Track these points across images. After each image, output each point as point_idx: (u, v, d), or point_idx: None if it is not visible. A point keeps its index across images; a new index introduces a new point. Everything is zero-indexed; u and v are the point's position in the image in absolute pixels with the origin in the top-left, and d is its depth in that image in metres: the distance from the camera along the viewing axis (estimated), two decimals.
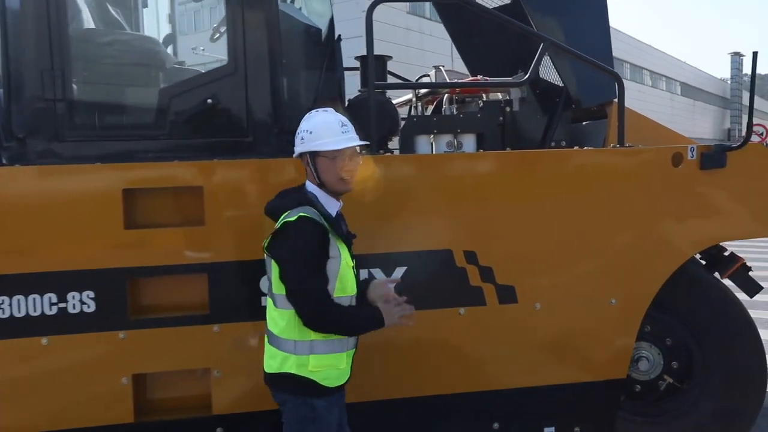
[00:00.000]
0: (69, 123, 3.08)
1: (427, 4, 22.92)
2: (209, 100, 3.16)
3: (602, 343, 3.52)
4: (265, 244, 2.52)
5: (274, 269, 2.50)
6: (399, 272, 3.23)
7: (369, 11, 3.22)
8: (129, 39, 3.34)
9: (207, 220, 3.06)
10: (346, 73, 3.96)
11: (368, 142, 2.91)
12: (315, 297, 2.44)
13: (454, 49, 5.13)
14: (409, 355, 3.30)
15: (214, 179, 3.08)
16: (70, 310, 2.96)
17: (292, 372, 2.49)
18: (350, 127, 2.63)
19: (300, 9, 4.18)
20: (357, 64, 4.27)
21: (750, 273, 3.94)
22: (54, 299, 2.95)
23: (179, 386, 3.15)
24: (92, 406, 3.01)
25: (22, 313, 2.92)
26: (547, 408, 3.51)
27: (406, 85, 4.30)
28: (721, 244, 3.94)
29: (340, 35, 3.80)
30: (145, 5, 4.35)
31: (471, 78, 4.39)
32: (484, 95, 4.18)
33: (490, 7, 4.25)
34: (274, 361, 2.55)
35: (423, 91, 4.33)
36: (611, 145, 3.60)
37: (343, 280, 2.52)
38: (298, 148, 2.62)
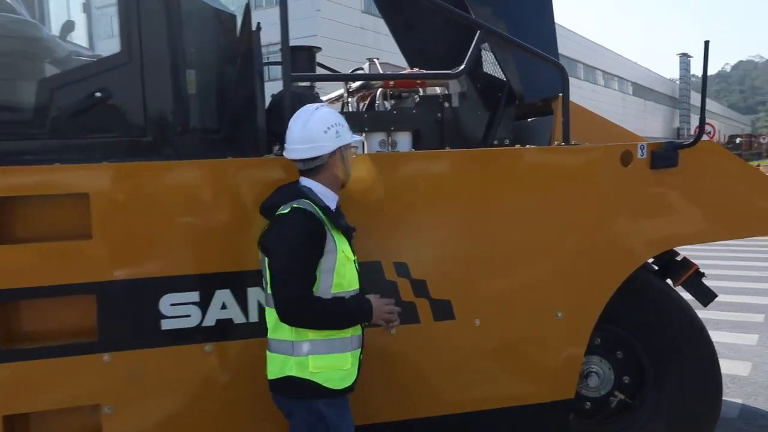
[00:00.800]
0: None
1: None
2: (98, 94, 2.73)
3: (549, 361, 3.21)
4: (259, 239, 2.49)
5: (264, 264, 2.47)
6: None
7: None
8: (1, 22, 2.88)
9: (94, 232, 2.64)
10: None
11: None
12: (292, 289, 2.36)
13: None
14: None
15: (102, 185, 2.65)
16: None
17: (293, 375, 2.40)
18: None
19: None
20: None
21: (704, 279, 3.69)
22: None
23: (62, 427, 2.72)
24: None
25: None
26: None
27: (324, 76, 3.91)
28: (674, 248, 3.68)
29: (259, 23, 3.41)
30: None
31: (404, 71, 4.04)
32: (421, 90, 3.85)
33: None
34: (274, 366, 2.47)
35: (355, 84, 3.97)
36: (556, 143, 3.30)
37: (341, 273, 2.44)
38: (335, 143, 2.54)
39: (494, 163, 3.10)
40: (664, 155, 3.23)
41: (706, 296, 3.66)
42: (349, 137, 2.60)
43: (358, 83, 3.94)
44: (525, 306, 3.14)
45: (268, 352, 2.53)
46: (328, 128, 2.53)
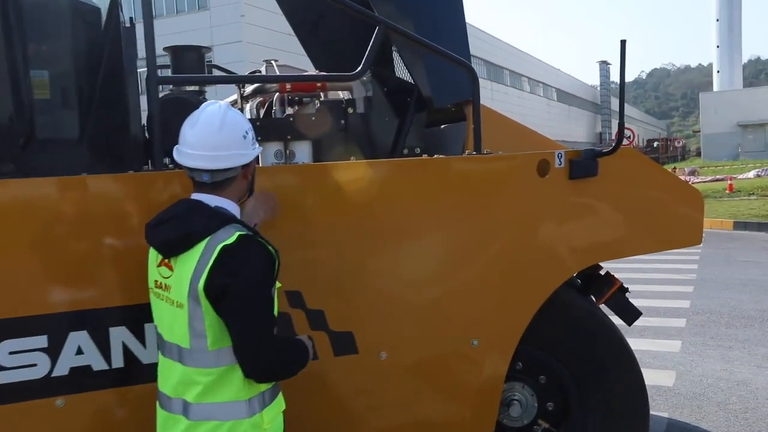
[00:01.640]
0: None
1: None
2: None
3: (465, 393, 2.91)
4: (202, 284, 1.91)
5: (207, 314, 1.93)
6: None
7: None
8: None
9: None
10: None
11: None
12: (269, 341, 1.99)
13: None
14: None
15: None
16: None
17: None
18: None
19: None
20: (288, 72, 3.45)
21: (628, 294, 3.48)
22: None
23: None
24: None
25: None
26: None
27: (196, 78, 3.41)
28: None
29: (132, 18, 2.97)
30: None
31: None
32: (323, 95, 3.49)
33: None
34: None
35: (249, 89, 3.57)
36: (467, 152, 3.01)
37: (276, 308, 2.12)
38: (253, 152, 2.13)
39: (396, 175, 2.76)
40: (583, 164, 2.98)
41: (631, 314, 3.44)
42: (258, 148, 2.19)
43: (251, 88, 3.54)
44: (436, 335, 2.82)
45: (185, 421, 1.98)
46: (247, 132, 2.09)
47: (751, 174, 28.62)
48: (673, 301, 8.24)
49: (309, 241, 2.63)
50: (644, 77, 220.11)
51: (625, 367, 3.28)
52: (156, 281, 2.07)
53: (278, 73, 3.68)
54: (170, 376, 2.04)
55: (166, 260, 2.02)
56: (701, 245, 6.49)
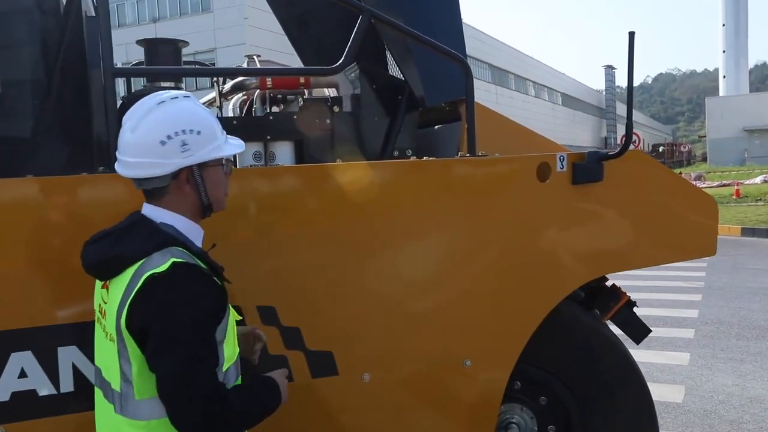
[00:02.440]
0: None
1: None
2: None
3: (457, 419, 2.65)
4: (123, 319, 1.63)
5: (132, 355, 1.65)
6: None
7: None
8: None
9: None
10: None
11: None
12: (202, 390, 1.60)
13: None
14: None
15: None
16: None
17: None
18: None
19: None
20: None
21: (636, 309, 3.21)
22: None
23: None
24: None
25: None
26: None
27: (154, 70, 3.15)
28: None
29: (97, 8, 2.73)
30: None
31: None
32: (307, 92, 3.24)
33: None
34: None
35: (227, 86, 3.33)
36: (460, 154, 2.76)
37: (230, 341, 1.80)
38: (184, 160, 1.72)
39: (381, 180, 2.51)
40: (587, 168, 2.73)
41: (639, 331, 3.18)
42: (208, 152, 1.75)
43: (230, 84, 3.30)
44: (425, 355, 2.56)
45: None
46: (170, 137, 1.69)
47: (758, 179, 28.29)
48: (680, 310, 7.96)
49: (283, 251, 2.39)
50: (650, 82, 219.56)
51: (632, 388, 3.02)
52: (99, 305, 1.80)
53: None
54: (105, 422, 1.77)
55: (107, 282, 1.75)
56: None
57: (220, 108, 3.44)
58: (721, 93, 63.20)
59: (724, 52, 62.83)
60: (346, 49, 2.49)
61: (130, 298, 1.62)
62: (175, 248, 1.69)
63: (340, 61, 2.51)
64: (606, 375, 2.98)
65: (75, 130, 2.51)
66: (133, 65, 3.80)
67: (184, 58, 4.32)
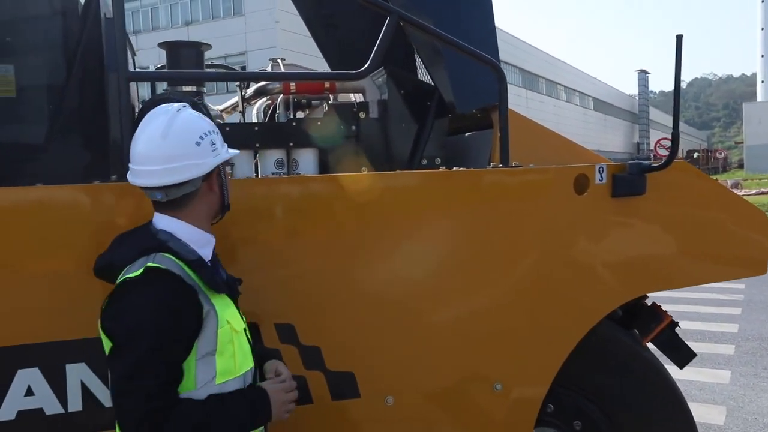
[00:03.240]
0: None
1: None
2: None
3: None
4: (99, 323, 1.71)
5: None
6: None
7: None
8: None
9: None
10: None
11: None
12: (138, 401, 1.57)
13: None
14: None
15: None
16: None
17: None
18: None
19: None
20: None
21: (678, 330, 3.01)
22: None
23: None
24: None
25: None
26: None
27: (170, 74, 3.06)
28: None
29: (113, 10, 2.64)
30: None
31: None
32: (332, 98, 3.12)
33: None
34: None
35: (250, 90, 3.22)
36: (492, 164, 2.60)
37: (227, 354, 1.73)
38: (212, 159, 1.78)
39: (408, 191, 2.38)
40: (628, 180, 2.55)
41: (683, 355, 2.97)
42: (226, 149, 1.85)
43: (252, 89, 3.19)
44: (452, 378, 2.42)
45: None
46: (202, 137, 1.75)
47: None
48: (719, 324, 7.66)
49: (304, 266, 2.26)
50: (684, 87, 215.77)
51: (672, 414, 2.82)
52: None
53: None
54: None
55: None
56: None
57: (243, 113, 3.33)
58: (759, 98, 61.73)
59: (762, 56, 61.38)
60: (373, 53, 2.36)
61: (105, 302, 1.67)
62: (161, 254, 1.68)
63: (366, 64, 2.37)
64: (645, 399, 2.79)
65: (89, 136, 2.42)
66: (157, 68, 3.72)
67: (215, 61, 4.25)
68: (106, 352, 1.67)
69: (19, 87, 2.32)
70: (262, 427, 1.81)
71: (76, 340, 2.04)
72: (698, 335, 6.99)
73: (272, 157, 2.82)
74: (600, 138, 61.28)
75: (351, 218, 2.32)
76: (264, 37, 32.16)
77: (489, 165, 2.64)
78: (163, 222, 1.77)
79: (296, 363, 2.24)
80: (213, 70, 3.29)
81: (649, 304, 3.07)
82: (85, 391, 2.06)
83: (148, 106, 2.65)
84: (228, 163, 1.90)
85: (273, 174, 2.81)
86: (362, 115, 2.95)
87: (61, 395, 2.04)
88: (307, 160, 2.86)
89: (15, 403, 1.99)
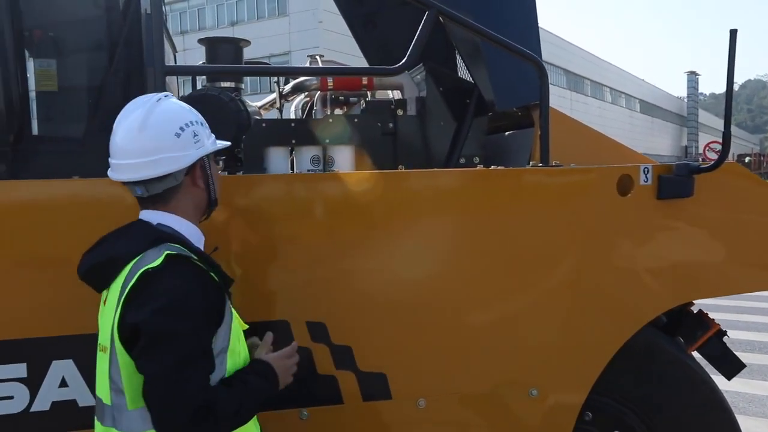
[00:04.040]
0: None
1: None
2: None
3: None
4: (116, 321, 1.55)
5: (122, 361, 1.55)
6: None
7: None
8: None
9: None
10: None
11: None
12: (193, 402, 1.48)
13: None
14: None
15: None
16: None
17: None
18: None
19: None
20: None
21: (726, 339, 2.88)
22: None
23: None
24: None
25: None
26: None
27: (207, 68, 3.05)
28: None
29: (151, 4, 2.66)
30: None
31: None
32: (369, 94, 3.09)
33: None
34: None
35: (287, 87, 3.20)
36: (531, 163, 2.53)
37: (236, 352, 1.67)
38: (197, 151, 1.70)
39: (446, 189, 2.33)
40: (675, 182, 2.45)
41: (731, 366, 2.84)
42: (212, 141, 1.77)
43: (290, 85, 3.18)
44: (486, 382, 2.35)
45: None
46: (182, 128, 1.67)
47: None
48: (764, 334, 7.37)
49: (337, 265, 2.23)
50: (737, 89, 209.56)
51: (718, 427, 2.71)
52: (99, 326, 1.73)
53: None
54: None
55: (103, 295, 1.67)
56: None
57: (281, 110, 3.32)
58: None
59: None
60: (410, 48, 2.32)
61: (124, 296, 1.53)
62: (171, 244, 1.61)
63: (404, 60, 2.34)
64: (690, 412, 2.68)
65: None
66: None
67: (259, 60, 4.26)
68: (123, 366, 1.55)
69: (60, 81, 2.34)
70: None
71: None
72: (747, 345, 6.73)
73: (308, 153, 2.80)
74: (646, 141, 59.92)
75: (386, 217, 2.28)
76: (307, 37, 32.39)
77: (528, 164, 2.56)
78: (155, 217, 1.69)
79: (327, 362, 2.22)
80: (249, 65, 3.28)
81: (695, 312, 2.95)
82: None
83: (187, 101, 2.68)
84: (219, 155, 1.80)
85: (308, 171, 2.80)
86: (400, 112, 2.90)
87: (95, 387, 2.05)
88: (343, 157, 2.82)
89: (49, 394, 2.02)
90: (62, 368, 2.03)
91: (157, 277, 1.53)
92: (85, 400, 2.04)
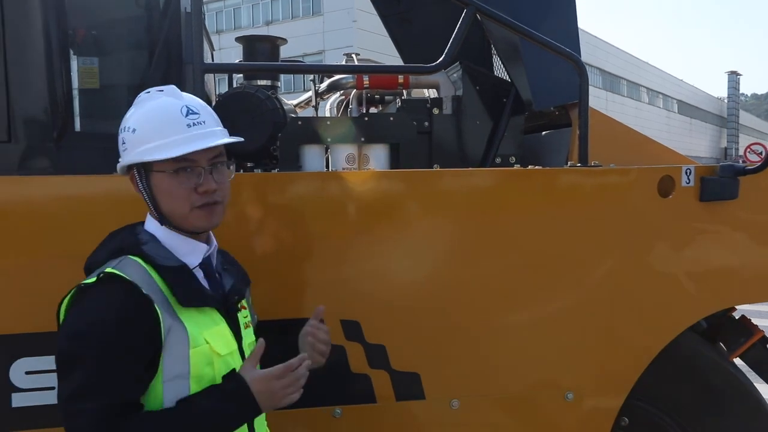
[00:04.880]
0: None
1: None
2: None
3: None
4: None
5: None
6: None
7: None
8: None
9: None
10: None
11: (240, 139, 1.70)
12: (87, 426, 1.39)
13: None
14: None
15: None
16: None
17: None
18: (205, 115, 1.62)
19: None
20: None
21: None
22: None
23: None
24: None
25: None
26: None
27: (245, 66, 3.03)
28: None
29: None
30: None
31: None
32: (405, 93, 3.08)
33: None
34: None
35: (323, 85, 3.21)
36: (569, 163, 2.49)
37: (206, 379, 1.52)
38: (122, 160, 1.60)
39: (482, 189, 2.31)
40: (719, 184, 2.39)
41: None
42: (138, 154, 1.54)
43: (326, 83, 3.18)
44: (521, 384, 2.33)
45: None
46: (119, 133, 1.60)
47: None
48: None
49: (372, 263, 2.22)
50: None
51: None
52: None
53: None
54: None
55: None
56: None
57: (316, 108, 3.33)
58: None
59: None
60: (448, 46, 2.31)
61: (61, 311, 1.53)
62: (130, 257, 1.51)
63: (441, 58, 2.32)
64: (732, 421, 2.61)
65: None
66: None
67: (293, 59, 4.29)
68: None
69: (102, 79, 2.39)
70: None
71: None
72: None
73: (343, 151, 2.80)
74: (684, 142, 58.74)
75: (421, 216, 2.27)
76: (341, 37, 32.54)
77: (566, 164, 2.53)
78: (150, 222, 1.63)
79: (361, 361, 2.21)
80: (285, 62, 3.30)
81: (737, 318, 2.88)
82: None
83: (224, 99, 2.70)
84: (163, 167, 1.54)
85: (344, 169, 2.80)
86: (435, 111, 2.89)
87: None
88: (378, 155, 2.82)
89: None
90: None
91: (82, 297, 1.47)
92: None
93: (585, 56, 2.83)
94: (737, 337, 2.73)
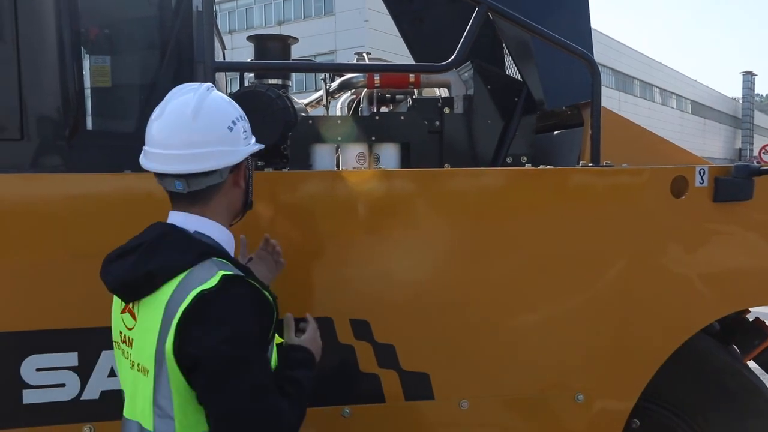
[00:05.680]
0: None
1: None
2: None
3: None
4: (170, 344, 1.41)
5: (175, 386, 1.44)
6: None
7: None
8: None
9: None
10: None
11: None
12: (277, 425, 1.43)
13: None
14: None
15: None
16: None
17: None
18: None
19: None
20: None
21: None
22: None
23: None
24: None
25: None
26: None
27: (256, 65, 3.07)
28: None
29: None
30: None
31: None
32: (416, 92, 3.07)
33: None
34: None
35: (334, 84, 3.21)
36: (581, 163, 2.47)
37: (272, 360, 1.66)
38: (245, 149, 1.60)
39: (493, 188, 2.30)
40: (733, 184, 2.36)
41: None
42: (254, 141, 1.66)
43: (337, 82, 3.18)
44: (531, 385, 2.31)
45: None
46: (234, 122, 1.55)
47: None
48: None
49: (382, 263, 2.22)
50: None
51: None
52: (120, 333, 1.60)
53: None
54: None
55: (130, 305, 1.54)
56: None
57: (327, 107, 3.33)
58: None
59: None
60: (459, 45, 2.30)
61: (176, 318, 1.40)
62: (218, 260, 1.50)
63: (452, 57, 2.31)
64: (743, 424, 2.58)
65: None
66: None
67: (305, 59, 4.30)
68: (177, 381, 1.43)
69: (114, 78, 2.40)
70: None
71: None
72: None
73: (354, 150, 2.80)
74: (698, 143, 58.25)
75: (432, 215, 2.26)
76: (353, 37, 32.54)
77: (578, 164, 2.51)
78: (191, 222, 1.55)
79: (370, 360, 2.21)
80: (296, 61, 3.31)
81: (750, 320, 2.84)
82: None
83: (235, 97, 2.71)
84: (255, 156, 1.68)
85: (354, 168, 2.79)
86: (447, 110, 2.88)
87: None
88: (389, 155, 2.81)
89: (99, 383, 2.06)
90: (111, 359, 2.06)
91: (215, 301, 1.42)
92: None
93: (597, 56, 2.80)
94: (751, 340, 2.71)
